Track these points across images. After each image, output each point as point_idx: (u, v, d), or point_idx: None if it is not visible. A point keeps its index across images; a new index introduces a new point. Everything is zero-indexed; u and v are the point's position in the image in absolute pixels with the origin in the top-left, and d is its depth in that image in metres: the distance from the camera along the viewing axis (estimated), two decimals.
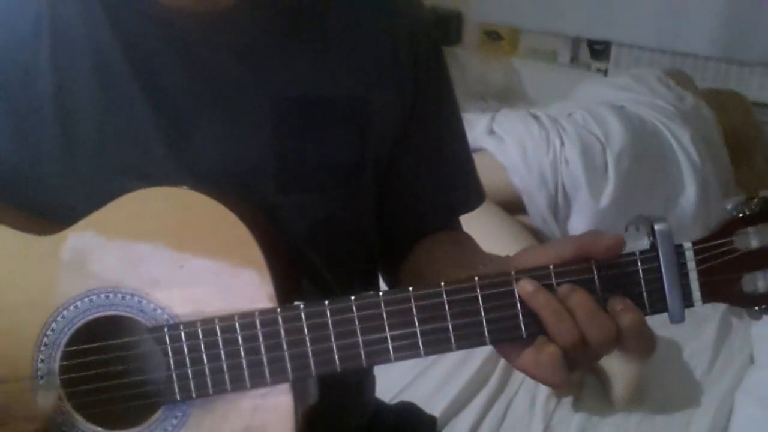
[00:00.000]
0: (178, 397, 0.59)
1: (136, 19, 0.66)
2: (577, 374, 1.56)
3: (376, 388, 0.92)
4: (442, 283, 0.57)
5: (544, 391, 1.54)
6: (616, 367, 1.52)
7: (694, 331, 1.75)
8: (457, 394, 1.52)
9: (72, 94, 0.66)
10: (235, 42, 0.68)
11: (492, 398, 1.54)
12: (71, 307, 0.60)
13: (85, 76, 0.66)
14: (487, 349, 1.60)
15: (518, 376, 1.60)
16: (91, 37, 0.66)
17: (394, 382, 1.50)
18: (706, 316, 1.79)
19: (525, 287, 0.56)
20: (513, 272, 0.57)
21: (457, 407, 1.51)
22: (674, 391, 1.58)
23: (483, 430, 1.48)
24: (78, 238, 0.61)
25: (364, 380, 0.87)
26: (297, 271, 0.68)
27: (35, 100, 0.66)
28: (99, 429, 0.61)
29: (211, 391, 0.59)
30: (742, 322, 1.79)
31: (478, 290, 0.57)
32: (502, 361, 1.60)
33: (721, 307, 1.80)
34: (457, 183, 0.82)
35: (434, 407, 1.39)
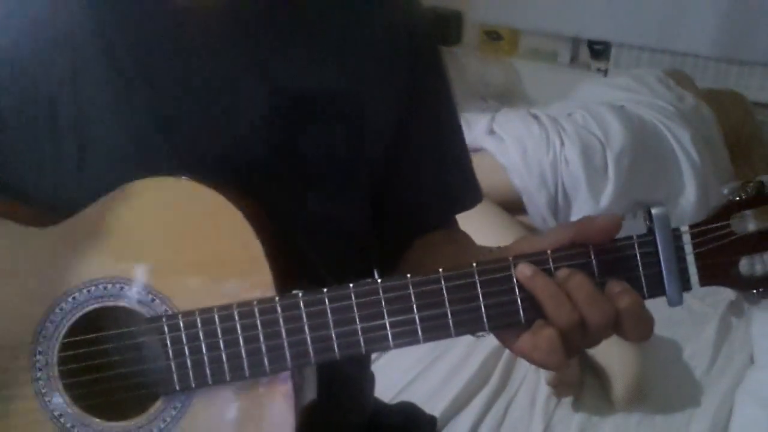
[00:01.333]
0: (177, 387, 0.59)
1: (136, 13, 0.66)
2: (577, 374, 1.56)
3: (375, 387, 0.92)
4: (440, 270, 0.57)
5: (544, 391, 1.54)
6: (616, 367, 1.52)
7: (694, 331, 1.74)
8: (457, 394, 1.52)
9: (72, 88, 0.66)
10: (233, 37, 0.68)
11: (492, 398, 1.54)
12: (69, 299, 0.60)
13: (85, 69, 0.66)
14: (487, 349, 1.60)
15: (518, 376, 1.60)
16: (95, 31, 0.66)
17: (394, 382, 1.50)
18: (706, 315, 1.78)
19: (523, 271, 0.57)
20: (511, 258, 0.57)
21: (457, 407, 1.51)
22: (674, 391, 1.58)
23: (483, 430, 1.47)
24: (76, 229, 0.61)
25: (363, 378, 0.87)
26: (293, 264, 0.68)
27: (28, 93, 0.65)
28: (97, 420, 0.61)
29: (210, 381, 0.59)
30: (742, 322, 1.79)
31: (476, 276, 0.57)
32: (502, 362, 1.60)
33: (721, 307, 1.80)
34: (454, 182, 0.82)
35: (434, 407, 1.39)
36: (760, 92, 2.72)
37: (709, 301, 1.80)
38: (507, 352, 1.60)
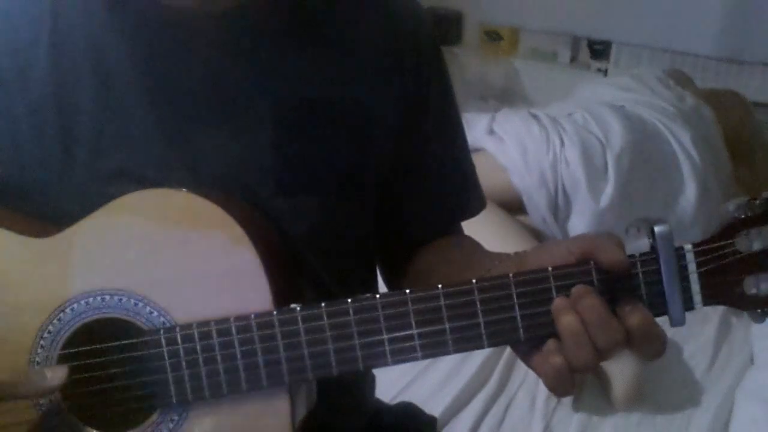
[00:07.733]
0: (174, 400, 0.59)
1: (138, 20, 0.66)
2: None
3: (375, 388, 0.92)
4: (440, 286, 0.57)
5: (544, 391, 1.54)
6: (616, 367, 1.52)
7: (694, 331, 1.75)
8: (457, 394, 1.52)
9: (71, 96, 0.65)
10: (236, 44, 0.68)
11: (492, 398, 1.54)
12: (68, 310, 0.60)
13: (84, 77, 0.66)
14: (486, 350, 1.60)
15: (518, 376, 1.60)
16: (92, 39, 0.66)
17: (394, 382, 1.50)
18: (706, 316, 1.79)
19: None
20: (511, 275, 0.57)
21: (457, 407, 1.51)
22: (674, 391, 1.58)
23: (483, 430, 1.48)
24: (75, 240, 0.61)
25: (364, 380, 0.87)
26: (296, 274, 0.67)
27: (34, 102, 0.65)
28: (94, 431, 0.61)
29: (207, 394, 0.58)
30: (742, 322, 1.79)
31: (476, 293, 0.56)
32: (502, 362, 1.60)
33: (721, 307, 1.80)
34: (458, 188, 0.82)
35: (434, 407, 1.40)
36: (760, 92, 2.72)
37: None
38: (507, 352, 1.60)
